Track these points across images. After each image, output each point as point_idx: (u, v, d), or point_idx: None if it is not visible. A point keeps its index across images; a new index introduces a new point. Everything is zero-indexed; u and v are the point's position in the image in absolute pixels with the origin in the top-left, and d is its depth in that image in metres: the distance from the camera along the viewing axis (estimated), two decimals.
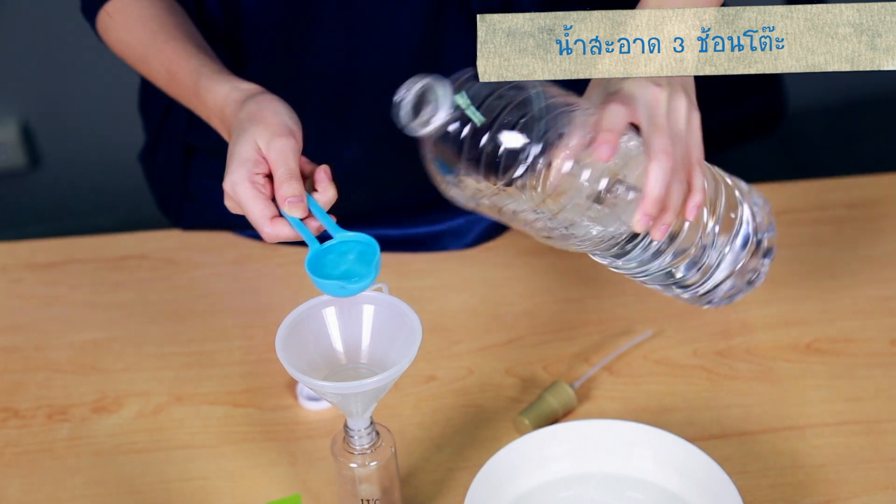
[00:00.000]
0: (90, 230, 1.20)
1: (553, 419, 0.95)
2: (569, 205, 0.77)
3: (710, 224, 0.86)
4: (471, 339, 1.04)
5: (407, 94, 0.75)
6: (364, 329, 0.82)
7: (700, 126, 0.82)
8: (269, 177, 0.82)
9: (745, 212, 0.90)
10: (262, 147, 0.82)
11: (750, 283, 0.92)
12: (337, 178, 1.09)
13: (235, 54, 1.04)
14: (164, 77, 0.95)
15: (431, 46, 1.01)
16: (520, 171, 0.75)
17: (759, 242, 0.90)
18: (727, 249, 0.88)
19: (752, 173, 1.13)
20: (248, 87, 0.88)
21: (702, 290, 0.89)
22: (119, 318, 1.07)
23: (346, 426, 0.83)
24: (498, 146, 0.75)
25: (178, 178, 1.15)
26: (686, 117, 0.81)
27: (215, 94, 0.89)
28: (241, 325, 1.06)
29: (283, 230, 0.81)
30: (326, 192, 0.82)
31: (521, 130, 0.75)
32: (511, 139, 0.75)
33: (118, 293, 1.10)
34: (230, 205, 0.83)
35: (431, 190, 1.12)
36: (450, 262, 1.12)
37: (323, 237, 0.81)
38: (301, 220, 0.80)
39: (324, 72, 1.02)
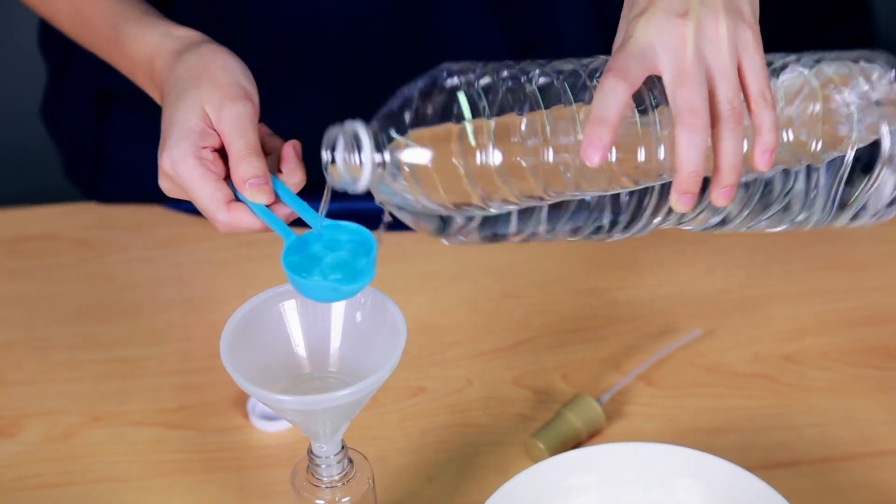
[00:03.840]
0: None
1: (575, 442, 0.95)
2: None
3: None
4: (469, 341, 1.04)
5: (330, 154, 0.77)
6: (333, 328, 0.82)
7: (759, 45, 0.79)
8: (219, 151, 0.82)
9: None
10: (211, 114, 0.82)
11: None
12: (295, 134, 1.09)
13: None
14: (72, 20, 0.95)
15: None
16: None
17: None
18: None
19: None
20: (186, 33, 0.87)
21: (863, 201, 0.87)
22: (19, 317, 1.07)
23: (310, 452, 0.83)
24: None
25: (89, 134, 1.15)
26: (730, 42, 0.78)
27: (142, 42, 0.88)
28: (176, 324, 1.06)
29: (243, 218, 0.80)
30: (294, 175, 0.82)
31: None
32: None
33: (17, 284, 1.10)
34: (168, 187, 0.83)
35: None
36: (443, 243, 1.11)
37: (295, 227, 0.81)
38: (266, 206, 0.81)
39: (275, 11, 1.03)
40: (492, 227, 0.80)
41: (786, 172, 0.85)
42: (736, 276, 1.08)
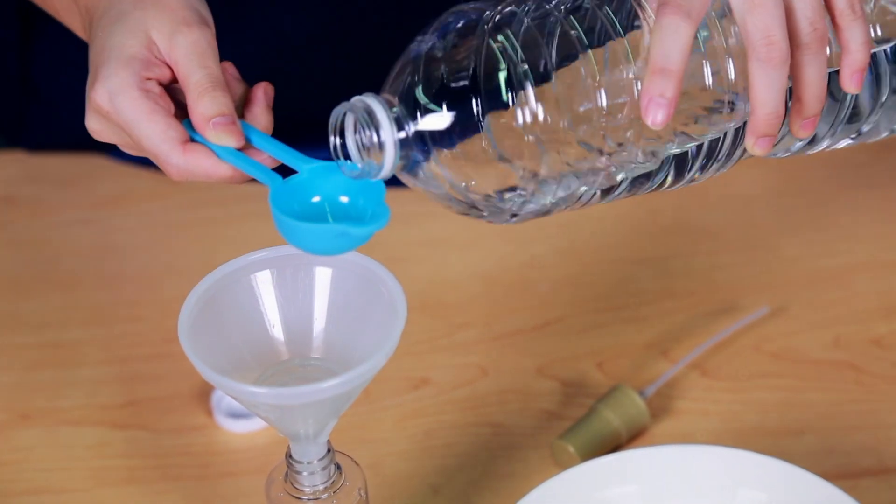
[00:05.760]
0: None
1: (613, 445, 0.96)
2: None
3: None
4: (484, 322, 1.05)
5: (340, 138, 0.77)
6: (317, 305, 0.83)
7: None
8: (166, 87, 0.82)
9: None
10: (161, 42, 0.82)
11: None
12: (272, 71, 1.08)
13: None
14: None
15: None
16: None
17: None
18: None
19: None
20: None
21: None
22: None
23: (289, 457, 0.83)
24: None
25: (13, 65, 1.14)
26: None
27: None
28: (124, 301, 1.07)
29: (202, 162, 0.79)
30: (258, 120, 0.82)
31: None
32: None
33: None
34: (98, 128, 0.82)
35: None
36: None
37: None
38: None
39: None
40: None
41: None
42: (812, 241, 1.08)
